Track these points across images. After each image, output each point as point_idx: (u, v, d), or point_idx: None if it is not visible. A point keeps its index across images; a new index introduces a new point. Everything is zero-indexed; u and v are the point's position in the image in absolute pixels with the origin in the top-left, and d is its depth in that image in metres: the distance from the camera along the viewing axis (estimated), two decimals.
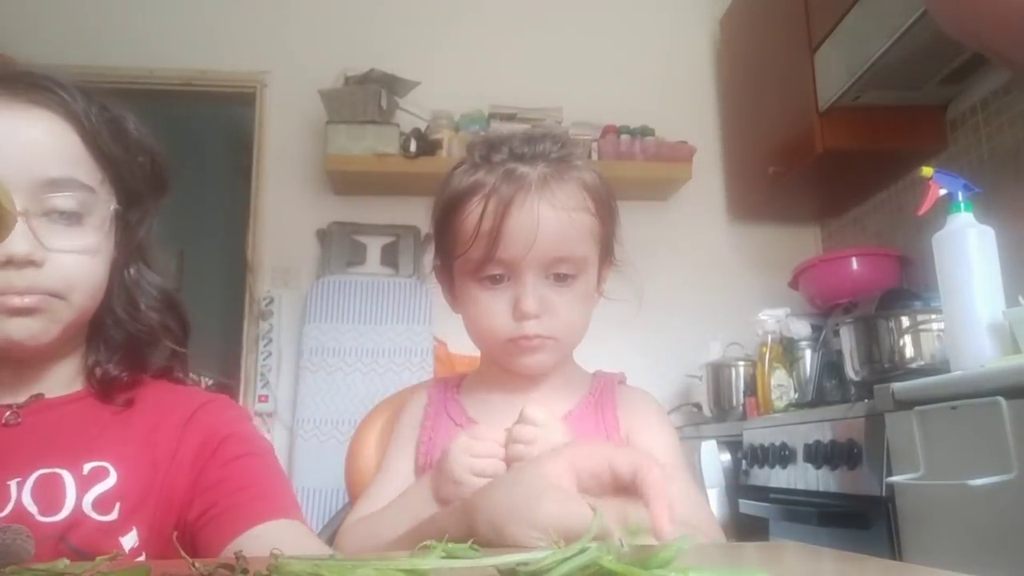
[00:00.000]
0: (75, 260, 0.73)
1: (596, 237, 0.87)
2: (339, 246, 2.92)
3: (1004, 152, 2.17)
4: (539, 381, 0.90)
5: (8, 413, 0.74)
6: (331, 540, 1.17)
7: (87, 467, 0.73)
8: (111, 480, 0.73)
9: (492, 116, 2.94)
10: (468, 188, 0.85)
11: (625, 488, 0.58)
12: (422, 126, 2.88)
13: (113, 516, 0.71)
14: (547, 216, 0.82)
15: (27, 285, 0.70)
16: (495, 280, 0.84)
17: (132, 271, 0.82)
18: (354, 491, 1.07)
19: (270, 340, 2.82)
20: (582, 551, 0.40)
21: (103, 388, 0.79)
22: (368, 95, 2.79)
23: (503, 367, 0.90)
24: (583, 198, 0.85)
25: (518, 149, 0.86)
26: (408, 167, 2.75)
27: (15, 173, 0.69)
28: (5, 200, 0.55)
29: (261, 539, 0.70)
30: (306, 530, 0.76)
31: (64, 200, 0.72)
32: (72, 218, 0.73)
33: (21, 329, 0.71)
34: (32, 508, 0.70)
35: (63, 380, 0.79)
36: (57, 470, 0.72)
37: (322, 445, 2.62)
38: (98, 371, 0.79)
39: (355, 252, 2.93)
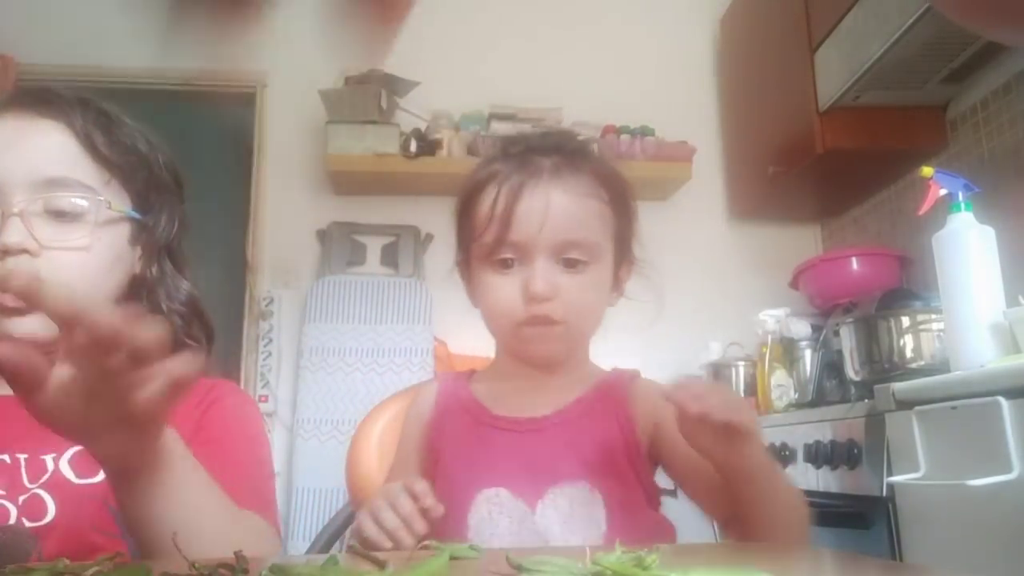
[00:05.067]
0: (67, 256, 0.76)
1: (610, 228, 0.87)
2: (339, 246, 2.91)
3: (1004, 152, 2.17)
4: (551, 372, 0.89)
5: None
6: (332, 540, 1.17)
7: None
8: None
9: (492, 116, 2.93)
10: (485, 177, 0.88)
11: None
12: (422, 126, 2.88)
13: None
14: (558, 199, 0.83)
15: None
16: (506, 264, 0.84)
17: (154, 271, 0.85)
18: (354, 491, 1.07)
19: (270, 340, 2.82)
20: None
21: None
22: (368, 95, 2.79)
23: (515, 356, 0.89)
24: (596, 186, 0.86)
25: (534, 142, 0.90)
26: (408, 167, 2.74)
27: (17, 175, 0.75)
28: None
29: None
30: (263, 525, 0.75)
31: (60, 200, 0.76)
32: (67, 217, 0.77)
33: (20, 328, 0.73)
34: (69, 474, 0.74)
35: None
36: None
37: (322, 445, 2.62)
38: None
39: (355, 252, 2.93)
